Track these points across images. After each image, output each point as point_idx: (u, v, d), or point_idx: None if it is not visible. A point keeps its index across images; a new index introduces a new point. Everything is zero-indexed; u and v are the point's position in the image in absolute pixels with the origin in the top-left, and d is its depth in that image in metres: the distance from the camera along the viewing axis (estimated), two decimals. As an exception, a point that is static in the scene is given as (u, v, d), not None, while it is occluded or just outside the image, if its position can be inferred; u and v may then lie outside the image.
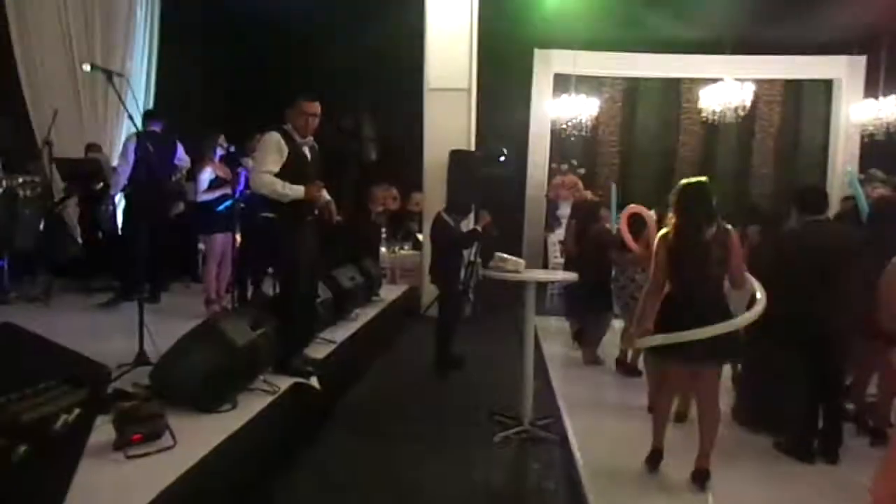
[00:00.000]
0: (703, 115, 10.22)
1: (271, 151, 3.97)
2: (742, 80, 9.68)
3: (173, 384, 3.08)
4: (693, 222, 3.32)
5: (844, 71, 10.72)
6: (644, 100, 11.41)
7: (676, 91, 11.24)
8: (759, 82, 10.28)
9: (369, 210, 8.32)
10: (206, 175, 6.13)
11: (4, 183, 5.51)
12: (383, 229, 9.09)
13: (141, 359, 3.72)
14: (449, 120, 8.26)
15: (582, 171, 10.89)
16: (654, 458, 3.48)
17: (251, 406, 3.35)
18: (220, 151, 6.23)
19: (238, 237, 6.22)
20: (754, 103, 10.17)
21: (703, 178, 3.49)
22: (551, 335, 6.96)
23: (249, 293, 6.41)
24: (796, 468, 3.59)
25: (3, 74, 6.77)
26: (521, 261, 4.49)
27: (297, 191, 3.98)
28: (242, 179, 6.23)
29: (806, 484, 3.42)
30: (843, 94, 10.75)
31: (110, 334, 4.58)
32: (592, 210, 6.35)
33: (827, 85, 11.03)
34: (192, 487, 2.50)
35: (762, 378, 4.06)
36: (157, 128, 6.08)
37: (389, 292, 7.79)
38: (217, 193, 6.04)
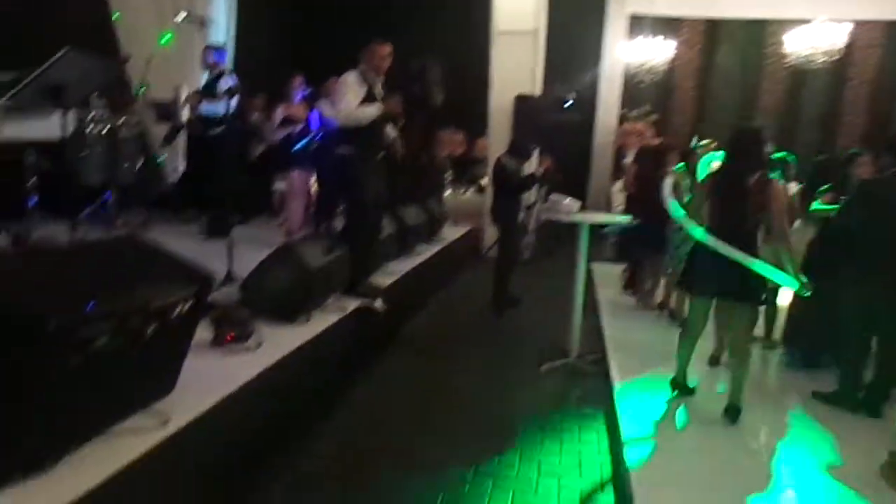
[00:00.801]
0: (789, 59, 9.68)
1: (350, 89, 4.37)
2: (835, 22, 9.01)
3: (258, 298, 3.58)
4: (736, 166, 3.39)
5: (961, 6, 9.63)
6: (725, 43, 10.88)
7: (760, 33, 10.61)
8: (854, 23, 9.43)
9: (435, 153, 8.59)
10: (278, 115, 6.57)
11: (109, 123, 6.13)
12: (448, 173, 9.37)
13: (230, 277, 4.24)
14: (516, 63, 8.25)
15: (654, 118, 10.68)
16: (675, 386, 3.72)
17: (323, 320, 3.83)
18: (299, 93, 6.61)
19: (312, 175, 6.66)
20: (849, 47, 9.40)
21: (758, 125, 3.55)
22: (607, 280, 7.13)
23: (322, 227, 6.90)
24: (830, 414, 3.64)
25: (101, 22, 7.38)
26: (577, 202, 4.71)
27: (375, 108, 4.38)
28: (316, 120, 6.63)
29: (842, 430, 3.45)
30: (956, 34, 9.72)
31: (202, 258, 5.16)
32: (659, 155, 6.31)
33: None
34: (275, 381, 3.00)
35: (818, 323, 4.10)
36: (221, 60, 6.39)
37: (451, 233, 8.12)
38: (284, 132, 6.48)
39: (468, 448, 3.25)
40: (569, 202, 4.67)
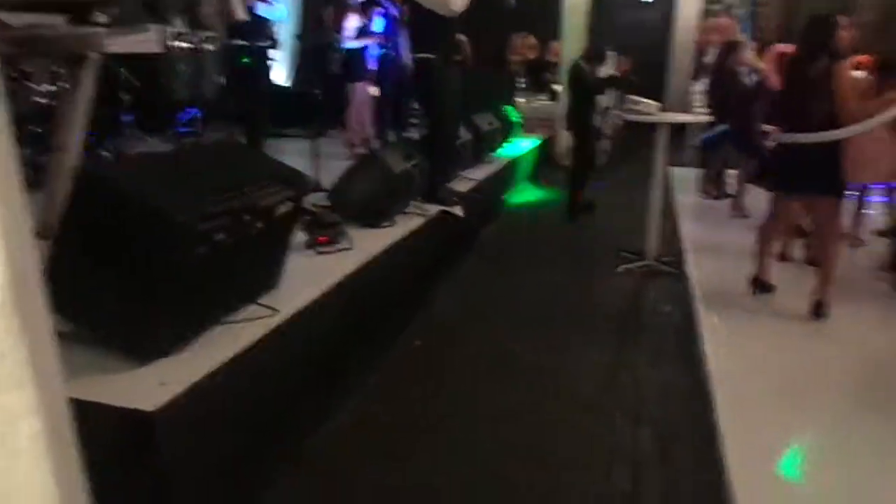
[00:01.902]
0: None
1: None
2: None
3: (346, 203, 3.77)
4: (803, 54, 3.32)
5: None
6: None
7: None
8: None
9: (507, 59, 8.39)
10: (353, 23, 6.51)
11: (192, 38, 6.25)
12: (521, 79, 9.16)
13: (316, 185, 4.44)
14: (592, -40, 7.89)
15: (741, 11, 9.94)
16: (755, 284, 3.71)
17: (407, 224, 4.01)
18: None
19: (377, 86, 6.64)
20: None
21: (832, 14, 3.37)
22: (686, 185, 6.98)
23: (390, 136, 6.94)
24: None
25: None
26: (655, 103, 4.58)
27: None
28: (385, 25, 6.54)
29: None
30: None
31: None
32: (732, 48, 6.00)
33: None
34: (366, 278, 3.22)
35: None
36: None
37: (525, 140, 8.06)
38: (363, 42, 6.45)
39: (547, 344, 3.41)
40: (647, 103, 4.55)
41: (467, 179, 5.39)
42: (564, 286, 4.37)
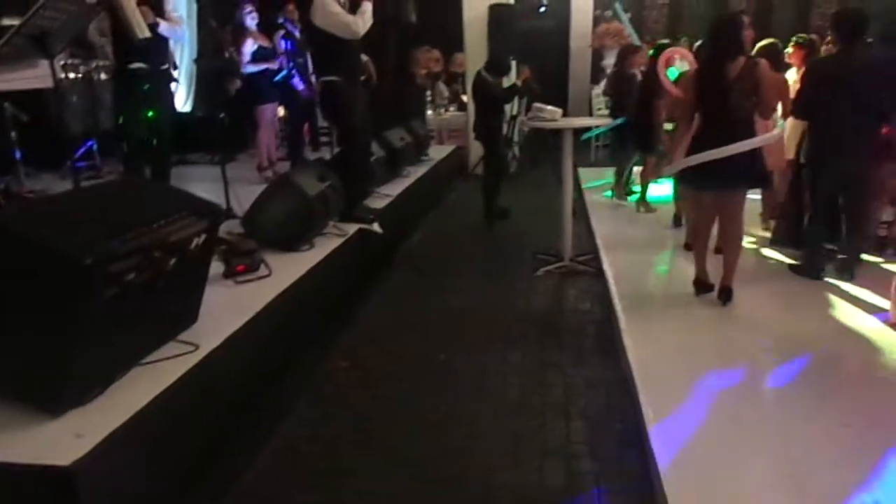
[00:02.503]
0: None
1: (334, 3, 4.18)
2: None
3: (262, 229, 3.69)
4: (716, 56, 3.41)
5: None
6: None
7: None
8: None
9: (413, 73, 8.48)
10: (249, 48, 6.38)
11: (82, 68, 5.98)
12: (428, 92, 9.27)
13: (228, 213, 4.33)
14: (487, -27, 8.10)
15: (628, 15, 10.52)
16: (698, 286, 3.77)
17: (326, 246, 3.96)
18: (251, 20, 6.34)
19: (285, 108, 6.51)
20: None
21: (735, 12, 3.53)
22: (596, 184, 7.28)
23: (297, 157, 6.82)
24: (807, 285, 3.95)
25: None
26: (558, 109, 4.77)
27: (368, 7, 4.25)
28: (285, 47, 6.45)
29: (812, 297, 3.77)
30: None
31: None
32: (630, 52, 6.36)
33: None
34: (288, 305, 3.16)
35: (798, 204, 4.26)
36: None
37: (438, 152, 8.11)
38: (262, 66, 6.33)
39: (473, 350, 3.47)
40: (551, 110, 4.73)
41: (383, 196, 5.40)
42: (488, 292, 4.45)
